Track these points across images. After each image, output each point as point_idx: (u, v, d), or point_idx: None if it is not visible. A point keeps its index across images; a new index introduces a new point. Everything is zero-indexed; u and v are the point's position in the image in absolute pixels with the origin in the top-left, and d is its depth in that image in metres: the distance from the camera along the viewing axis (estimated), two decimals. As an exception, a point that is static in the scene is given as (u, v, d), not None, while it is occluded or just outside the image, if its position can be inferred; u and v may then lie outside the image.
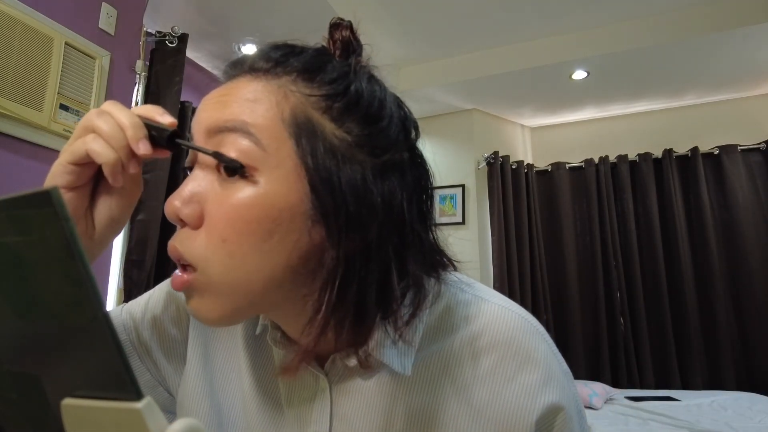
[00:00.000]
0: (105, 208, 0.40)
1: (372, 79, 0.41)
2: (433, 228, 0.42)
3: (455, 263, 0.44)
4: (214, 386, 0.49)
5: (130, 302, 0.56)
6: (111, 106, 0.37)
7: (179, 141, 0.38)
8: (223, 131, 0.36)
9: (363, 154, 0.37)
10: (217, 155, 0.36)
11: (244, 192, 0.35)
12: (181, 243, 0.37)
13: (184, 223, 0.37)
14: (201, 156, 0.38)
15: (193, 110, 2.40)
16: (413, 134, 0.41)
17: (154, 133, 0.38)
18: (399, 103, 0.42)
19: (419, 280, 0.39)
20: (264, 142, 0.35)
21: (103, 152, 0.36)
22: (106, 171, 0.36)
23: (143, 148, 0.36)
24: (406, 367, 0.41)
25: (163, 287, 0.55)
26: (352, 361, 0.41)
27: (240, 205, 0.35)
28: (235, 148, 0.35)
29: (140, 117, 0.37)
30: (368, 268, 0.36)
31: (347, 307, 0.36)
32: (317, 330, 0.36)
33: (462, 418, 0.41)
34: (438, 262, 0.42)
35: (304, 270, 0.37)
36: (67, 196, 0.38)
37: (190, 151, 0.39)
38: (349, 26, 0.42)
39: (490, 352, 0.42)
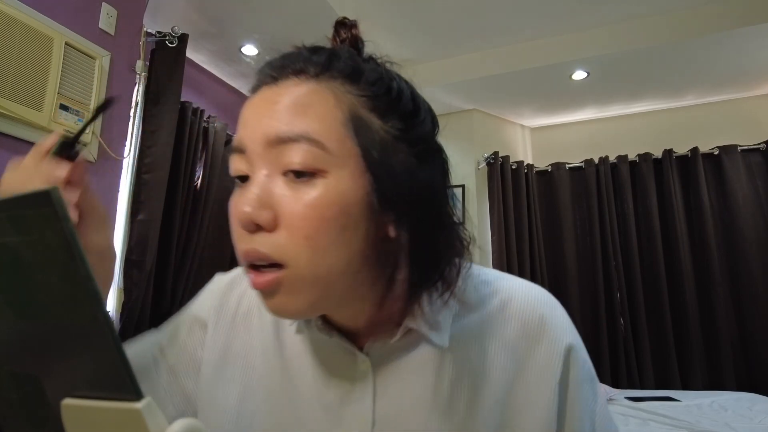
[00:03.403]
0: (88, 243, 0.44)
1: (400, 77, 0.44)
2: (455, 209, 0.45)
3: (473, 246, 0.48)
4: (248, 392, 0.50)
5: (155, 334, 0.56)
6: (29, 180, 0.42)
7: (76, 150, 0.45)
8: (285, 141, 0.37)
9: (404, 145, 0.41)
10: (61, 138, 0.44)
11: (316, 192, 0.37)
12: (262, 245, 0.38)
13: (257, 228, 0.38)
14: (260, 165, 0.39)
15: (194, 110, 2.40)
16: (437, 129, 0.46)
17: (63, 153, 0.44)
18: (428, 104, 0.46)
19: (457, 252, 0.43)
20: (328, 145, 0.37)
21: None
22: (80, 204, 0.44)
23: (61, 173, 0.43)
24: (443, 339, 0.45)
25: (189, 316, 0.55)
26: (392, 339, 0.45)
27: (316, 205, 0.37)
28: (300, 153, 0.37)
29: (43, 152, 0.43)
30: (428, 242, 0.41)
31: (420, 276, 0.41)
32: (404, 298, 0.42)
33: (497, 383, 0.45)
34: (466, 239, 0.45)
35: (375, 254, 0.40)
36: None
37: (237, 160, 0.40)
38: (355, 25, 0.45)
39: (517, 317, 0.47)
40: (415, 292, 0.42)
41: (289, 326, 0.50)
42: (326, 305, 0.42)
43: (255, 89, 0.42)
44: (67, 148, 0.44)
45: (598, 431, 0.47)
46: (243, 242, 0.39)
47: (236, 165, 0.40)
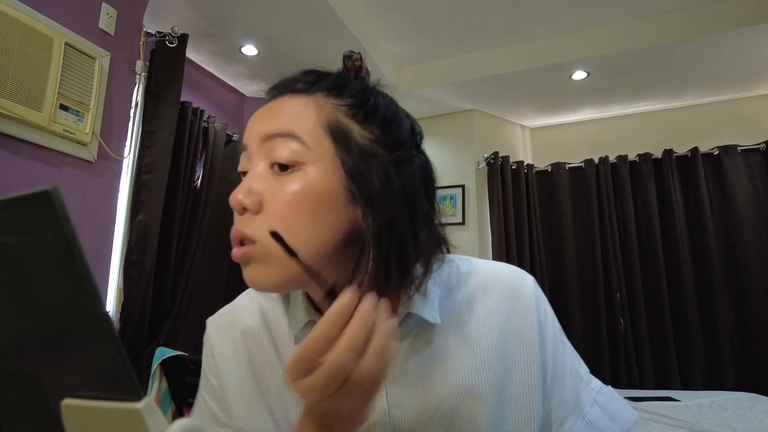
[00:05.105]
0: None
1: (385, 95, 0.52)
2: (438, 213, 0.52)
3: (450, 246, 0.55)
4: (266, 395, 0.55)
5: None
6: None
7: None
8: (274, 137, 0.46)
9: (382, 149, 0.47)
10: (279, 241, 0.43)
11: (295, 182, 0.44)
12: (244, 226, 0.45)
13: (245, 211, 0.45)
14: (256, 160, 0.47)
15: (194, 110, 2.41)
16: (418, 138, 0.52)
17: None
18: (407, 114, 0.53)
19: (428, 249, 0.49)
20: (308, 142, 0.45)
21: None
22: None
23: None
24: (435, 317, 0.51)
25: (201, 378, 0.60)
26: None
27: (293, 192, 0.44)
28: (286, 148, 0.45)
29: None
30: (392, 237, 0.45)
31: (381, 266, 0.45)
32: (366, 284, 0.45)
33: (489, 342, 0.52)
34: (441, 237, 0.52)
35: (345, 241, 0.46)
36: None
37: (243, 158, 0.49)
38: (360, 57, 0.52)
39: (497, 288, 0.55)
40: (378, 281, 0.45)
41: (289, 338, 0.54)
42: (300, 282, 0.46)
43: (262, 107, 0.50)
44: None
45: (573, 368, 0.57)
46: (235, 224, 0.46)
47: (242, 163, 0.48)
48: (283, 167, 0.45)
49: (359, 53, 0.52)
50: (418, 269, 0.48)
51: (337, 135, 0.46)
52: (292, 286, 0.47)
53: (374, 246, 0.45)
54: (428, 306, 0.51)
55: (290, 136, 0.45)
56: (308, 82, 0.49)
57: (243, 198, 0.45)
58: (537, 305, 0.55)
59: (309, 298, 0.53)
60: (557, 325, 0.57)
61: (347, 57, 0.52)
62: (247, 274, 0.45)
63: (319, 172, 0.45)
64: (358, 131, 0.47)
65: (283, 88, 0.50)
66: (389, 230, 0.45)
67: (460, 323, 0.53)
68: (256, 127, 0.47)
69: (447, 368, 0.51)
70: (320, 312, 0.51)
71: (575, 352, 0.59)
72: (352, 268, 0.46)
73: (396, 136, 0.48)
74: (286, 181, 0.45)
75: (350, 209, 0.45)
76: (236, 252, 0.45)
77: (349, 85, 0.49)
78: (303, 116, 0.46)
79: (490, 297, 0.55)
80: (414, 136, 0.51)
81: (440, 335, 0.52)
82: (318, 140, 0.45)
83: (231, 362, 0.56)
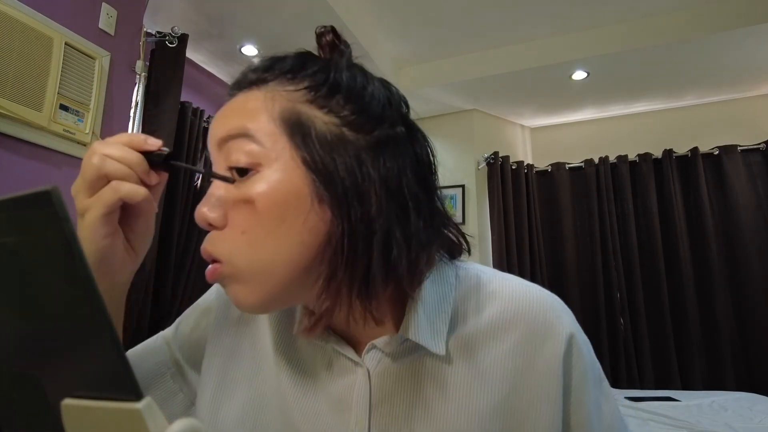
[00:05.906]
0: (140, 227, 0.45)
1: (352, 66, 0.44)
2: (438, 196, 0.45)
3: (467, 236, 0.48)
4: (243, 390, 0.50)
5: (166, 329, 0.59)
6: (107, 148, 0.40)
7: (174, 162, 0.43)
8: (228, 140, 0.41)
9: (353, 132, 0.40)
10: (210, 174, 0.41)
11: (254, 187, 0.39)
12: (210, 244, 0.41)
13: (212, 227, 0.41)
14: (219, 166, 0.42)
15: (194, 110, 2.41)
16: (402, 108, 0.44)
17: (153, 158, 0.43)
18: (384, 84, 0.45)
19: (425, 237, 0.41)
20: (262, 140, 0.39)
21: (138, 191, 0.40)
22: (145, 205, 0.42)
23: (153, 179, 0.43)
24: (440, 347, 0.44)
25: (195, 307, 0.58)
26: (388, 347, 0.45)
27: (250, 199, 0.39)
28: (240, 150, 0.40)
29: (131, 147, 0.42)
30: (371, 236, 0.39)
31: (356, 271, 0.39)
32: (331, 295, 0.40)
33: (497, 389, 0.44)
34: (445, 223, 0.45)
35: (319, 247, 0.39)
36: (110, 243, 0.41)
37: None
38: (332, 30, 0.45)
39: (522, 322, 0.45)
40: (354, 284, 0.40)
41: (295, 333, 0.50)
42: (284, 298, 0.41)
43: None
44: (160, 161, 0.43)
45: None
46: (204, 241, 0.42)
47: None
48: (242, 172, 0.39)
49: (331, 26, 0.45)
50: (422, 262, 0.41)
51: (293, 127, 0.39)
52: (277, 303, 0.42)
53: (346, 247, 0.38)
54: (433, 330, 0.44)
55: (243, 136, 0.40)
56: (260, 70, 0.43)
57: (207, 212, 0.40)
58: (564, 367, 0.44)
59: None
60: (598, 371, 0.48)
61: (319, 35, 0.45)
62: (228, 294, 0.41)
63: (278, 172, 0.39)
64: (320, 118, 0.40)
65: (240, 84, 0.44)
66: (367, 226, 0.39)
67: (469, 360, 0.44)
68: (211, 132, 0.42)
69: (439, 409, 0.43)
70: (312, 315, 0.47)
71: (621, 417, 0.48)
72: (347, 276, 0.39)
73: (368, 113, 0.41)
74: (245, 188, 0.39)
75: (322, 210, 0.39)
76: (207, 272, 0.40)
77: (306, 66, 0.42)
78: (255, 112, 0.40)
79: (510, 336, 0.45)
80: (393, 109, 0.43)
81: (441, 368, 0.44)
82: (272, 137, 0.39)
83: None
